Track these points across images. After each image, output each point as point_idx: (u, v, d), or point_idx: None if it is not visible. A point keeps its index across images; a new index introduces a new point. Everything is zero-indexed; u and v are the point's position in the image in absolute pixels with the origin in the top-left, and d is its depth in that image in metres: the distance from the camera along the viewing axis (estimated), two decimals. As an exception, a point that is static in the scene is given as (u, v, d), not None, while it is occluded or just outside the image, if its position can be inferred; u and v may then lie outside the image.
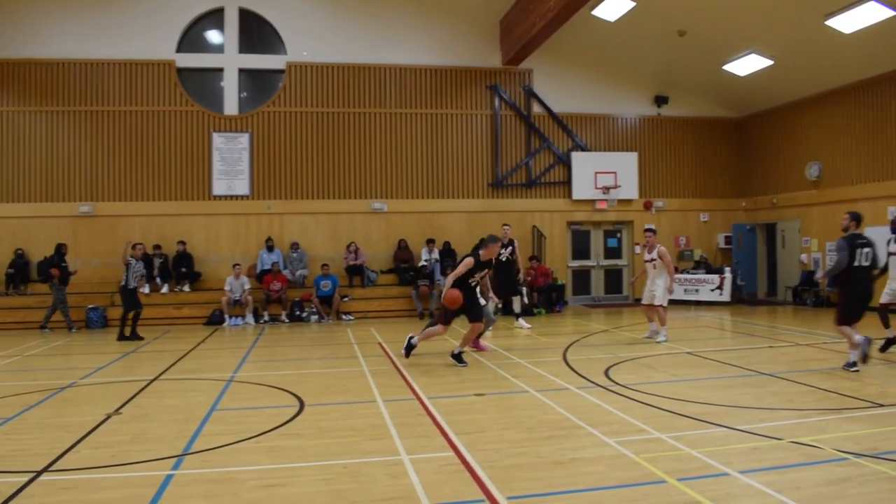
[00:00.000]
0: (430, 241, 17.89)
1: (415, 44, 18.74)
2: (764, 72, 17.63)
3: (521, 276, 14.50)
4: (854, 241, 8.96)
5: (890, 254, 10.36)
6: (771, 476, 4.95)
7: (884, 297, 10.37)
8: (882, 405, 7.07)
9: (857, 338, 8.79)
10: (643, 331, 12.93)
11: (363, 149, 18.43)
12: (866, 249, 8.94)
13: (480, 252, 9.93)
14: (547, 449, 5.68)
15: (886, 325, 10.39)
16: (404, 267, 17.83)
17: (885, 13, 13.55)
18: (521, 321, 14.52)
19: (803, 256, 18.50)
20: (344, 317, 16.63)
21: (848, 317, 9.04)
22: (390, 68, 18.60)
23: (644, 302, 12.53)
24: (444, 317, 10.06)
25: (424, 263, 17.54)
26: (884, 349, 10.29)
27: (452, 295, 9.79)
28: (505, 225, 14.51)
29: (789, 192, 19.29)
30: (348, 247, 17.69)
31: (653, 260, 12.29)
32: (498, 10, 18.49)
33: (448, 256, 17.80)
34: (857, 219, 9.16)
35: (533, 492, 4.69)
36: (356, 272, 17.53)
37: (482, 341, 11.36)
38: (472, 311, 10.01)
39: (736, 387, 8.24)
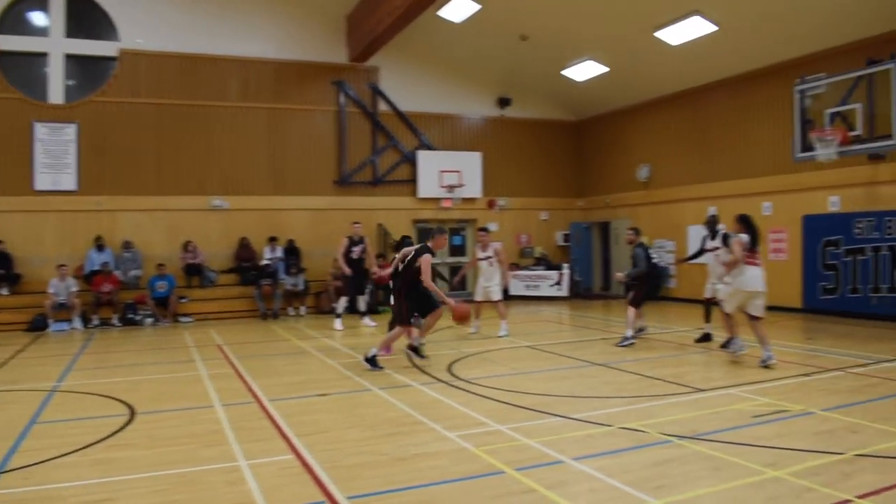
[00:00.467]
0: (273, 239, 17.46)
1: (258, 36, 18.17)
2: (600, 78, 18.55)
3: (375, 273, 14.39)
4: (646, 249, 11.21)
5: (706, 250, 11.05)
6: (602, 461, 5.20)
7: (707, 293, 11.15)
8: (702, 390, 7.61)
9: (639, 322, 11.35)
10: (485, 327, 13.22)
11: (202, 143, 17.64)
12: (654, 253, 11.58)
13: (429, 244, 9.66)
14: (389, 446, 5.67)
15: (707, 319, 11.18)
16: (246, 266, 17.28)
17: (708, 27, 14.60)
18: (367, 320, 14.49)
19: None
20: (181, 319, 15.90)
21: (640, 303, 11.13)
22: (232, 60, 17.92)
23: (477, 299, 12.87)
24: (405, 317, 9.57)
25: (267, 262, 17.10)
26: (699, 340, 11.08)
27: (463, 311, 9.60)
28: (356, 223, 14.38)
29: (622, 193, 20.41)
30: (186, 245, 16.89)
31: (488, 258, 12.66)
32: (345, 4, 18.30)
33: (292, 255, 17.43)
34: (638, 232, 11.40)
35: (375, 490, 4.66)
36: (194, 272, 16.80)
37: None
38: (429, 303, 9.68)
39: (572, 377, 8.61)
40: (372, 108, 19.32)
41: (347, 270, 13.85)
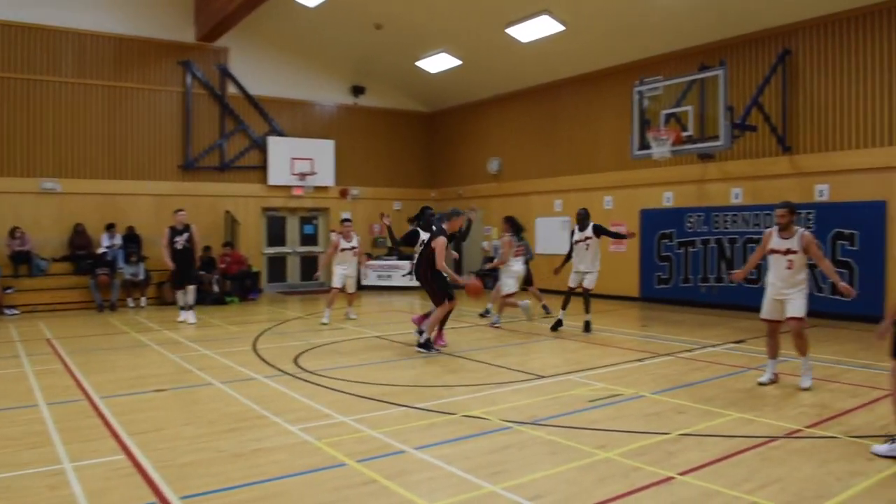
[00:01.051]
0: (111, 226, 16.47)
1: (98, 7, 16.96)
2: (453, 71, 18.79)
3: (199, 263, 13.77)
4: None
5: (575, 242, 11.56)
6: (444, 449, 5.28)
7: (571, 282, 11.63)
8: (542, 377, 7.91)
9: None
10: (336, 317, 13.12)
11: (31, 121, 16.28)
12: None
13: (444, 226, 9.53)
14: (228, 442, 5.51)
15: (565, 306, 11.60)
16: (81, 254, 16.20)
17: (556, 27, 15.11)
18: (187, 315, 13.27)
19: (485, 244, 20.07)
20: (6, 311, 14.71)
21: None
22: (67, 32, 16.63)
23: (336, 285, 12.89)
24: (440, 297, 9.64)
25: (105, 250, 16.12)
26: (554, 328, 11.51)
27: (476, 287, 9.66)
28: (178, 211, 13.42)
29: (473, 185, 20.82)
30: (12, 232, 15.57)
31: (353, 248, 12.72)
32: (192, -19, 17.54)
33: (132, 242, 16.50)
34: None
35: (210, 488, 4.51)
36: (22, 260, 15.55)
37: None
38: (446, 290, 9.64)
39: (418, 367, 8.70)
40: (220, 91, 18.61)
41: (170, 264, 13.11)
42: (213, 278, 16.52)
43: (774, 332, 7.51)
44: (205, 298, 15.96)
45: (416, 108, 22.14)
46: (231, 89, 18.82)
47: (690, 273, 14.72)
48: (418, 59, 18.72)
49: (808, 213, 12.71)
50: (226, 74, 18.64)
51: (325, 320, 12.60)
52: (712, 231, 14.32)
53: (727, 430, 5.74)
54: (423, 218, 11.14)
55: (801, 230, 7.24)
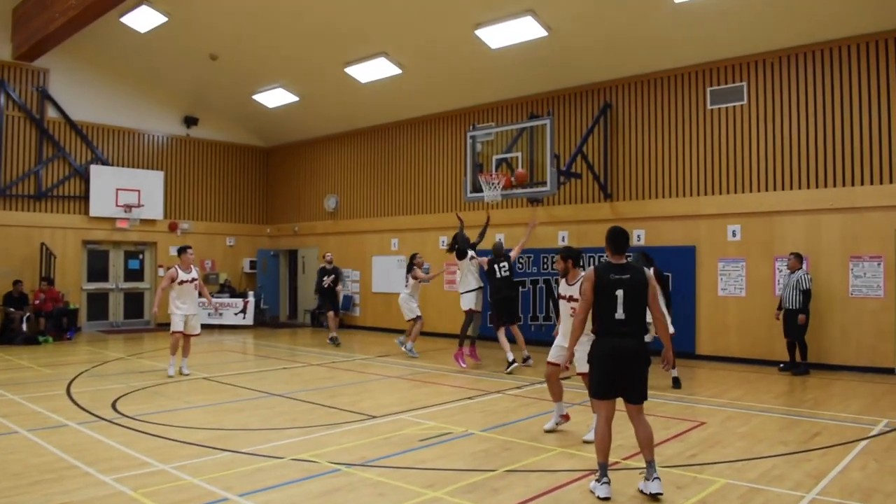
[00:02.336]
0: None
1: None
2: (291, 106, 18.64)
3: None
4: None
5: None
6: (270, 495, 5.15)
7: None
8: (374, 416, 7.89)
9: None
10: (161, 358, 12.46)
11: None
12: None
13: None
14: (32, 497, 5.08)
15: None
16: None
17: (393, 69, 15.40)
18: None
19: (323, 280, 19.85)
20: None
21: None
22: None
23: (178, 329, 11.14)
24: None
25: None
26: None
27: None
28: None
29: (310, 221, 20.63)
30: None
31: (194, 280, 11.26)
32: (11, -5, 16.36)
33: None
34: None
35: (7, 549, 4.15)
36: None
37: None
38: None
39: (247, 409, 8.43)
40: (39, 114, 17.37)
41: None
42: (24, 316, 15.26)
43: (554, 375, 7.23)
44: (13, 338, 14.71)
45: (252, 142, 21.74)
46: (51, 113, 17.63)
47: (521, 311, 15.27)
48: (255, 93, 18.43)
49: (627, 256, 13.57)
50: (45, 97, 17.44)
51: (171, 372, 10.93)
52: (541, 272, 14.97)
53: (551, 465, 5.97)
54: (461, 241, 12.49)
55: (582, 273, 6.63)
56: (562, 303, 7.10)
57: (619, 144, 14.12)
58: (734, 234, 12.61)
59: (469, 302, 12.22)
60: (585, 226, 14.48)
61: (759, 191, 12.35)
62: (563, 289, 7.08)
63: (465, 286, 12.26)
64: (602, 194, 14.21)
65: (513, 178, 13.17)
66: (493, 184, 13.19)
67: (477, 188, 13.76)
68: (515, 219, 15.52)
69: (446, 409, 8.47)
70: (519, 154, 13.87)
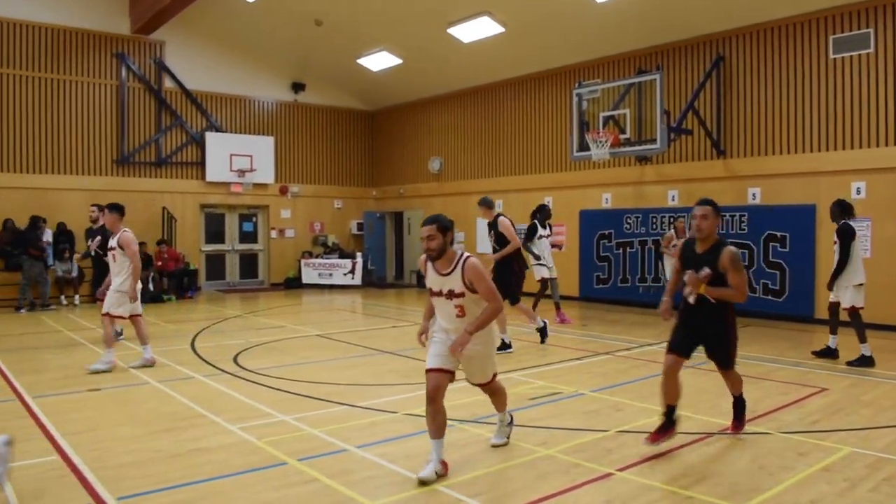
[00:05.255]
0: (42, 221, 15.87)
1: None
2: (394, 69, 18.72)
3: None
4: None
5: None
6: (386, 448, 5.28)
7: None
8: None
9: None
10: (276, 316, 12.95)
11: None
12: None
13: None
14: (165, 442, 5.40)
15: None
16: (9, 251, 15.53)
17: (496, 28, 15.21)
18: None
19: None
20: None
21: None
22: (-7, 22, 16.04)
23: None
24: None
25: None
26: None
27: None
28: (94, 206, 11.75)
29: (415, 184, 20.81)
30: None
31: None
32: (127, -28, 17.07)
33: (64, 238, 15.97)
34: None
35: (147, 489, 4.42)
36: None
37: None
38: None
39: (360, 366, 8.66)
40: (157, 85, 18.17)
41: None
42: (149, 276, 16.14)
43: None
44: (141, 296, 15.55)
45: (357, 105, 22.02)
46: (168, 83, 18.39)
47: (629, 273, 15.00)
48: (359, 57, 18.60)
49: (742, 215, 13.11)
50: (162, 68, 18.21)
51: (101, 366, 8.15)
52: (650, 232, 14.60)
53: (663, 425, 5.87)
54: (543, 213, 12.27)
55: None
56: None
57: (733, 99, 13.47)
58: (858, 192, 11.84)
59: (540, 272, 12.21)
60: (696, 184, 13.96)
61: (886, 145, 11.56)
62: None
63: (534, 259, 12.17)
64: (715, 151, 13.63)
65: (620, 137, 12.89)
66: (600, 142, 12.93)
67: (583, 147, 13.51)
68: (624, 178, 15.17)
69: (556, 368, 8.44)
70: (626, 111, 13.50)
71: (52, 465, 4.87)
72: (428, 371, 4.74)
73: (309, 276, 19.43)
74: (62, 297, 15.46)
